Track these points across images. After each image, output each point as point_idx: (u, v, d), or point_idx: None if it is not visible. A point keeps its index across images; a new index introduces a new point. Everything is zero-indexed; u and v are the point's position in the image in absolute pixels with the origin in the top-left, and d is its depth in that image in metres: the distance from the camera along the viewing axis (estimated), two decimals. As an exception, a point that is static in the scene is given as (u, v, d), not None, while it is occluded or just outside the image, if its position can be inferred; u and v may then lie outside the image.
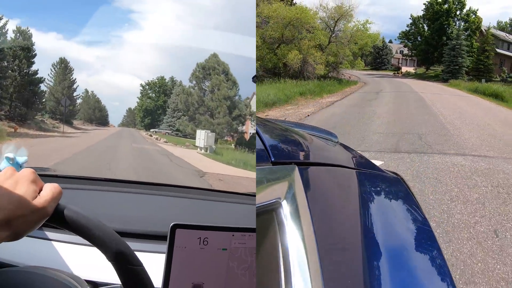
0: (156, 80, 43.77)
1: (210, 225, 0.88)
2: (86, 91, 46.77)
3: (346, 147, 2.08)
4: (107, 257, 0.75)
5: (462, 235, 3.80)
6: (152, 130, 38.87)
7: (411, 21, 37.72)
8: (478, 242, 3.58)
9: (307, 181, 1.00)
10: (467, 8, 33.38)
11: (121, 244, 0.74)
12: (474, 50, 30.58)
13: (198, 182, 11.62)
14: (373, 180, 1.49)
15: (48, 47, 42.74)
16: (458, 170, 6.01)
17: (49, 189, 0.70)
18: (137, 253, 0.76)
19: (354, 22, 25.29)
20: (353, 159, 1.86)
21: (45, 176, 1.63)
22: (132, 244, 0.90)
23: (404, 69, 41.75)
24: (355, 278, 0.90)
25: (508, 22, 41.25)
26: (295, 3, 24.14)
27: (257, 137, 1.03)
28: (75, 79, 36.22)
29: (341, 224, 1.03)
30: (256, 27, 20.13)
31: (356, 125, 9.02)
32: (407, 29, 37.72)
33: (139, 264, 0.76)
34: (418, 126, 9.80)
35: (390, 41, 48.51)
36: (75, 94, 37.47)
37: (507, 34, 33.45)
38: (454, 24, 32.82)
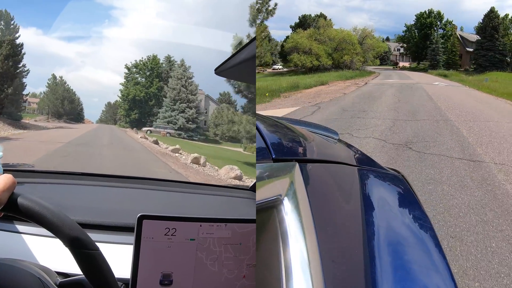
0: (147, 60, 26.90)
1: (177, 216, 0.80)
2: (54, 76, 29.38)
3: (346, 145, 1.86)
4: (63, 242, 0.67)
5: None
6: (145, 129, 23.12)
7: (406, 27, 47.65)
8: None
9: (308, 178, 0.94)
10: (444, 19, 43.41)
11: (75, 229, 0.67)
12: (448, 50, 40.21)
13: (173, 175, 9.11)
14: (374, 177, 1.37)
15: (28, 42, 31.98)
16: (407, 83, 20.47)
17: (2, 180, 0.67)
18: (106, 245, 0.74)
19: (372, 38, 39.23)
20: (354, 156, 1.67)
21: (21, 171, 1.38)
22: (101, 236, 0.86)
23: (401, 64, 49.77)
24: (356, 275, 0.82)
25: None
26: (333, 24, 39.37)
27: (257, 134, 0.97)
28: (22, 44, 20.04)
29: (342, 221, 0.96)
30: (321, 43, 33.91)
31: (389, 77, 26.09)
32: (403, 34, 47.91)
33: (94, 248, 0.68)
34: (404, 79, 25.20)
35: (388, 39, 53.62)
36: (20, 67, 20.14)
37: (478, 37, 38.76)
38: (435, 31, 41.98)
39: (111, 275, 0.71)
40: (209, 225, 0.81)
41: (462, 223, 3.44)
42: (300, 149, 1.25)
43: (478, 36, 36.51)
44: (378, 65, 43.14)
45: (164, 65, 27.19)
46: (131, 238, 0.79)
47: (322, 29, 36.17)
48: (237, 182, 8.95)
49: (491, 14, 32.02)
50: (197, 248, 0.81)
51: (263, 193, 0.78)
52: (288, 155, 1.06)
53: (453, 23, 42.73)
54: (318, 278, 0.73)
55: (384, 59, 49.32)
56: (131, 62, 28.07)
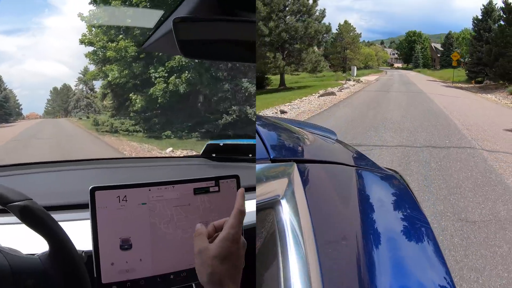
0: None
1: (127, 184, 0.76)
2: None
3: (344, 145, 1.61)
4: (15, 214, 0.61)
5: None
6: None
7: (399, 41, 52.48)
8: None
9: (306, 179, 0.87)
10: (423, 37, 49.21)
11: (22, 199, 0.63)
12: (424, 57, 49.59)
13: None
14: (372, 177, 1.26)
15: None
16: (400, 73, 34.09)
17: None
18: (65, 223, 0.66)
19: (381, 51, 45.61)
20: (352, 156, 1.47)
21: None
22: (60, 216, 0.77)
23: (395, 65, 57.35)
24: (354, 274, 0.74)
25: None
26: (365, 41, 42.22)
27: (256, 135, 0.90)
28: None
29: (339, 221, 0.87)
30: (358, 54, 40.67)
31: (393, 72, 31.85)
32: (396, 45, 51.67)
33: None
34: (399, 72, 32.38)
35: (382, 42, 59.10)
36: None
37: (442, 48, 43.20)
38: (417, 45, 51.13)
39: (56, 226, 0.62)
40: (158, 188, 0.77)
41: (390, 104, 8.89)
42: (298, 150, 1.02)
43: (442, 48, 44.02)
44: (383, 66, 52.38)
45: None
46: (86, 214, 0.75)
47: (357, 49, 46.25)
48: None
49: (448, 35, 46.08)
50: (149, 214, 0.76)
51: (262, 194, 0.62)
52: (286, 156, 0.93)
53: (428, 39, 53.77)
54: (316, 278, 0.58)
55: (385, 62, 58.24)
56: None
